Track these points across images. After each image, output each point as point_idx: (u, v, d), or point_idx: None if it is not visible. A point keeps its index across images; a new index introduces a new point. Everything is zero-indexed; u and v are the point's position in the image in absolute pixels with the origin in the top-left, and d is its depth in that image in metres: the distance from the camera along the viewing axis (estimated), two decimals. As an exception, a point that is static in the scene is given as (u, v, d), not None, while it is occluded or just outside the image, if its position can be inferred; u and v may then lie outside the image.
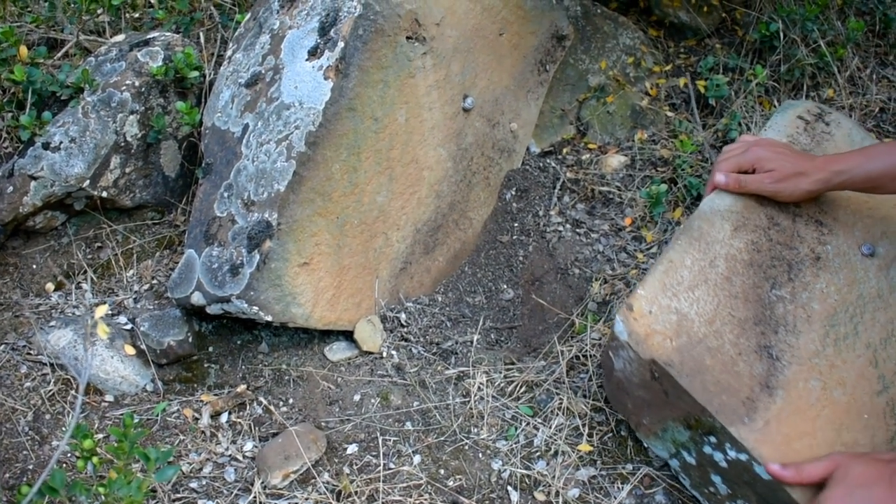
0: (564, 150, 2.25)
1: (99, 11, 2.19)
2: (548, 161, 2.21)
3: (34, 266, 1.91)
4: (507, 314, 1.95)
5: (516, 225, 2.09)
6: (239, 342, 1.82)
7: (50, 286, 1.89)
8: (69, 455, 1.60)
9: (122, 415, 1.69)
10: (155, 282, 1.90)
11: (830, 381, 1.44)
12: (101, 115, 1.82)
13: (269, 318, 1.66)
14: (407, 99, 1.77)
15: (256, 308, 1.64)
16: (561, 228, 2.07)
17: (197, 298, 1.67)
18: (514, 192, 2.12)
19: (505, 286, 2.00)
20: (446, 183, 1.95)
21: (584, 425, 1.68)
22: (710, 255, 1.52)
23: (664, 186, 2.02)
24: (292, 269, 1.67)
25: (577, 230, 2.07)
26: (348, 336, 1.84)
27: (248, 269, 1.62)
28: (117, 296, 1.87)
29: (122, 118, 1.84)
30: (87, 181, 1.81)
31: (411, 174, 1.85)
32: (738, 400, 1.38)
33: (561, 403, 1.72)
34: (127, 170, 1.88)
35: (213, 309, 1.67)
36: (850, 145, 1.74)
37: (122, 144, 1.86)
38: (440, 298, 1.97)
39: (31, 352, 1.77)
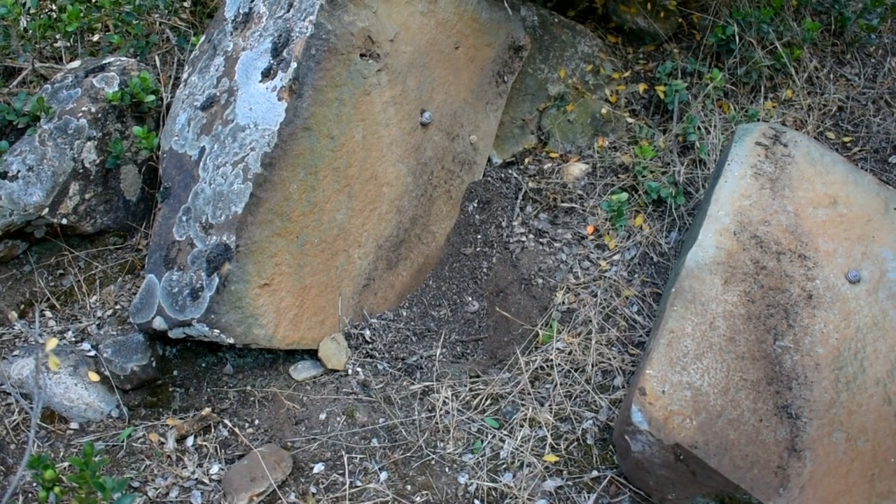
0: (526, 160, 2.26)
1: (56, 37, 2.19)
2: (510, 172, 2.22)
3: (-4, 295, 1.91)
4: (472, 327, 1.96)
5: (479, 237, 2.10)
6: (203, 365, 1.82)
7: (13, 315, 1.88)
8: (34, 485, 1.60)
9: (86, 442, 1.68)
10: (118, 307, 1.89)
11: (852, 430, 1.46)
12: (59, 142, 1.82)
13: (231, 341, 1.66)
14: (363, 116, 1.78)
15: (218, 331, 1.64)
16: (524, 239, 2.08)
17: (158, 323, 1.67)
18: (476, 204, 2.13)
19: (470, 298, 2.01)
20: (407, 198, 1.95)
21: (549, 435, 1.69)
22: (707, 316, 1.54)
23: (625, 195, 2.03)
24: (253, 291, 1.67)
25: (541, 240, 2.08)
26: (313, 354, 1.85)
27: (209, 293, 1.62)
28: (80, 322, 1.87)
29: (79, 145, 1.84)
30: (47, 209, 1.81)
31: (371, 191, 1.85)
32: (770, 471, 1.40)
33: (526, 415, 1.73)
34: (86, 196, 1.88)
35: (174, 333, 1.68)
36: (811, 164, 1.76)
37: (81, 171, 1.86)
38: (405, 313, 1.98)
39: (-5, 382, 1.77)
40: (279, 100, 1.66)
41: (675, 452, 1.45)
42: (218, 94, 1.78)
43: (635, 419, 1.46)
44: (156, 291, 1.69)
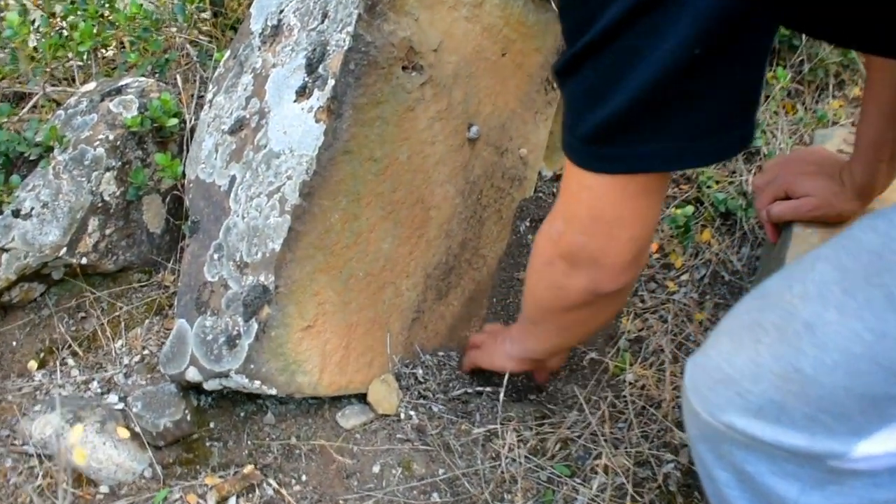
0: (578, 172, 2.09)
1: (69, 56, 2.03)
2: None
3: (14, 343, 1.75)
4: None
5: (534, 259, 1.93)
6: (242, 414, 1.66)
7: (33, 364, 1.73)
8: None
9: (118, 508, 1.53)
10: (146, 352, 1.73)
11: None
12: (75, 174, 1.66)
13: (274, 392, 1.50)
14: (408, 134, 1.61)
15: (259, 382, 1.48)
16: (582, 258, 1.91)
17: (192, 375, 1.51)
18: (528, 224, 1.96)
19: (526, 327, 1.84)
20: (456, 221, 1.79)
21: (628, 482, 1.52)
22: None
23: (690, 208, 1.86)
24: (295, 335, 1.51)
25: (601, 260, 1.90)
26: (361, 398, 1.68)
27: (247, 340, 1.46)
28: (106, 371, 1.71)
29: (97, 176, 1.68)
30: (65, 249, 1.65)
31: (417, 216, 1.68)
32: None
33: (600, 459, 1.56)
34: (107, 231, 1.72)
35: (210, 385, 1.52)
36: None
37: (100, 205, 1.70)
38: (458, 347, 1.81)
39: (16, 441, 1.61)
40: (316, 121, 1.50)
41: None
42: (247, 116, 1.61)
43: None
44: (188, 339, 1.52)
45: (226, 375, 1.48)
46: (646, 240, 1.12)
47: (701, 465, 1.15)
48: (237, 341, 1.47)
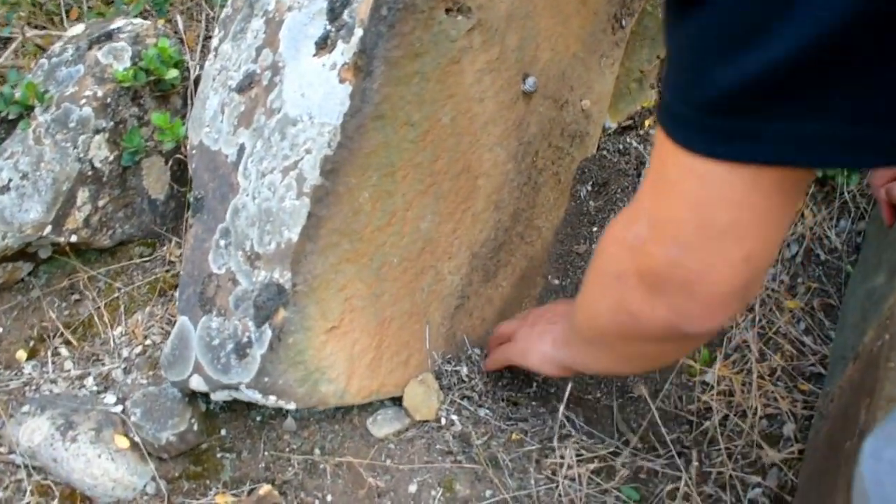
0: (647, 124, 1.80)
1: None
2: (627, 140, 1.76)
3: (0, 330, 1.53)
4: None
5: (596, 229, 1.66)
6: (258, 419, 1.43)
7: (21, 354, 1.51)
8: None
9: (116, 533, 1.32)
10: (148, 343, 1.50)
11: None
12: (58, 139, 1.40)
13: (293, 406, 1.27)
14: (452, 92, 1.33)
15: (274, 397, 1.25)
16: (652, 229, 1.64)
17: (197, 384, 1.28)
18: (590, 188, 1.68)
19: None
20: (507, 189, 1.51)
21: (709, 511, 1.29)
22: None
23: (783, 172, 1.56)
24: (317, 340, 1.27)
25: (674, 231, 1.63)
26: (396, 400, 1.45)
27: (259, 351, 1.22)
28: (103, 364, 1.49)
29: (85, 140, 1.42)
30: (49, 227, 1.41)
31: (462, 187, 1.42)
32: None
33: (678, 485, 1.32)
34: (100, 203, 1.47)
35: (218, 396, 1.29)
36: None
37: (90, 173, 1.44)
38: (507, 334, 1.57)
39: (2, 448, 1.41)
40: (341, 82, 1.22)
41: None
42: (258, 70, 1.34)
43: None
44: (191, 341, 1.29)
45: (235, 388, 1.25)
46: (765, 262, 0.79)
47: None
48: (248, 350, 1.23)
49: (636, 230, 0.84)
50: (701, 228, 0.75)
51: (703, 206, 0.74)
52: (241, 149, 1.32)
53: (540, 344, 1.31)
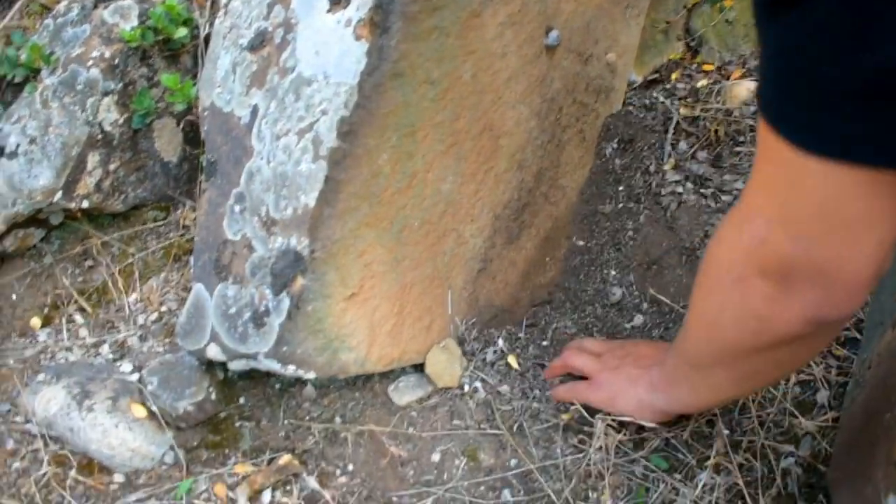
0: (673, 77, 1.73)
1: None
2: (654, 95, 1.69)
3: (13, 297, 1.50)
4: (621, 312, 1.50)
5: (622, 188, 1.60)
6: (277, 387, 1.40)
7: (35, 322, 1.48)
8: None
9: (136, 502, 1.30)
10: (164, 309, 1.47)
11: None
12: (66, 102, 1.36)
13: (312, 376, 1.24)
14: (472, 47, 1.27)
15: (293, 366, 1.21)
16: (680, 189, 1.58)
17: (214, 353, 1.25)
18: (615, 145, 1.62)
19: (613, 272, 1.54)
20: (530, 148, 1.46)
21: (739, 481, 1.25)
22: None
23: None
24: (337, 307, 1.23)
25: (703, 191, 1.57)
26: (418, 367, 1.41)
27: (277, 319, 1.19)
28: (118, 331, 1.45)
29: (93, 103, 1.38)
30: (60, 192, 1.38)
31: (485, 147, 1.37)
32: None
33: (708, 453, 1.28)
34: (111, 167, 1.43)
35: (235, 365, 1.26)
36: None
37: (100, 137, 1.40)
38: (529, 299, 1.52)
39: (18, 418, 1.39)
40: (357, 39, 1.17)
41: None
42: (270, 28, 1.29)
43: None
44: (207, 309, 1.25)
45: (253, 357, 1.21)
46: (893, 240, 0.77)
47: None
48: (265, 319, 1.19)
49: (753, 230, 0.80)
50: (828, 222, 0.74)
51: (828, 201, 0.72)
52: (255, 110, 1.27)
53: (633, 389, 1.22)
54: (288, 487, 1.30)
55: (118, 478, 1.33)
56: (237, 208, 1.25)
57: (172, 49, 1.46)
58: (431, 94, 1.24)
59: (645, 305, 1.50)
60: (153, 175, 1.51)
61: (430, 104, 1.24)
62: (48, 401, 1.34)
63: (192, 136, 1.54)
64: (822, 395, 1.34)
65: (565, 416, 1.33)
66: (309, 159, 1.19)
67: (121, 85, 1.41)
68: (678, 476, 1.27)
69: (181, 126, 1.52)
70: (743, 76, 1.69)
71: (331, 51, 1.19)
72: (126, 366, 1.40)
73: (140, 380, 1.37)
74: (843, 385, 1.34)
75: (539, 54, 1.41)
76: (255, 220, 1.23)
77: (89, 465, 1.34)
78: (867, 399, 1.21)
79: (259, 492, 1.29)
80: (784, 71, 0.68)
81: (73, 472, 1.33)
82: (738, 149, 1.61)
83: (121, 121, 1.42)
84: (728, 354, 0.97)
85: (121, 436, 1.31)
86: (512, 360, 1.42)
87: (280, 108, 1.23)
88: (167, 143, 1.51)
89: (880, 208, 0.71)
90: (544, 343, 1.45)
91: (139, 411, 1.34)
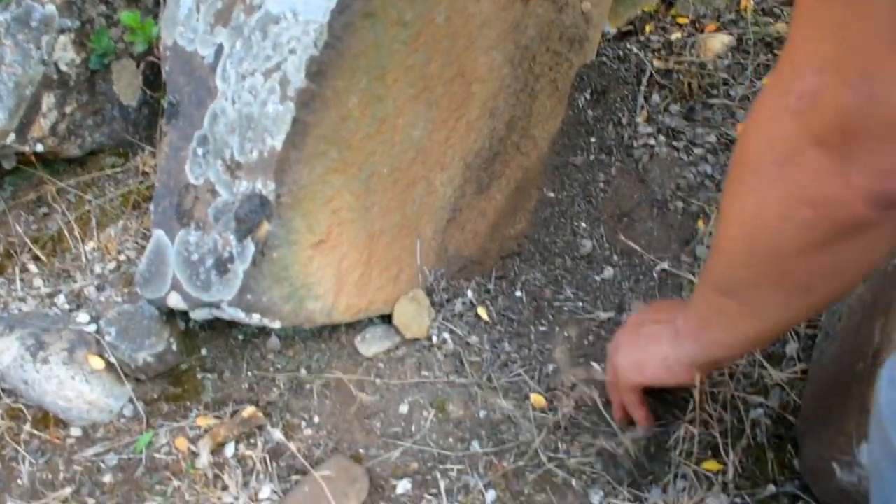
0: (647, 29, 1.71)
1: None
2: (628, 47, 1.67)
3: (-36, 244, 1.44)
4: (591, 265, 1.48)
5: (594, 140, 1.58)
6: (241, 337, 1.37)
7: (-13, 270, 1.43)
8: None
9: (94, 456, 1.26)
10: (122, 258, 1.42)
11: None
12: (20, 39, 1.29)
13: (278, 325, 1.20)
14: (446, -12, 1.23)
15: (258, 315, 1.18)
16: (652, 141, 1.56)
17: (175, 301, 1.21)
18: (588, 96, 1.60)
19: (583, 224, 1.52)
20: (503, 96, 1.43)
21: (710, 433, 1.24)
22: None
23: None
24: (304, 254, 1.19)
25: (675, 143, 1.55)
26: (385, 318, 1.38)
27: (242, 266, 1.15)
28: (75, 281, 1.40)
29: (49, 41, 1.31)
30: (13, 134, 1.32)
31: (457, 93, 1.33)
32: None
33: (683, 405, 1.27)
34: (67, 109, 1.37)
35: (198, 314, 1.22)
36: None
37: (55, 77, 1.34)
38: (498, 248, 1.50)
39: (-30, 370, 1.34)
40: (328, -26, 1.12)
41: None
42: (236, -37, 1.23)
43: (866, 460, 0.99)
44: (168, 256, 1.21)
45: (216, 306, 1.18)
46: None
47: (878, 480, 0.83)
48: (229, 266, 1.15)
49: (802, 87, 0.65)
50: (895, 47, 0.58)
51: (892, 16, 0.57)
52: (219, 49, 1.22)
53: (656, 349, 1.04)
54: (252, 440, 1.27)
55: (75, 431, 1.29)
56: (200, 151, 1.21)
57: (132, -14, 1.41)
58: (403, 35, 1.19)
59: (616, 258, 1.48)
60: (111, 119, 1.45)
61: (402, 46, 1.20)
62: (1, 353, 1.29)
63: (153, 80, 1.48)
64: (792, 348, 1.34)
65: (532, 370, 1.32)
66: (276, 100, 1.14)
67: (78, 23, 1.35)
68: (654, 427, 1.26)
69: (141, 68, 1.46)
70: (717, 29, 1.67)
71: (300, -13, 1.14)
72: (83, 316, 1.35)
73: (97, 330, 1.32)
74: (811, 338, 1.34)
75: (514, 0, 1.38)
76: (219, 163, 1.19)
77: (45, 418, 1.29)
78: (839, 350, 1.21)
79: (222, 445, 1.26)
80: None
81: (27, 426, 1.29)
82: (711, 101, 1.59)
83: (77, 61, 1.36)
84: (775, 263, 0.78)
85: (77, 388, 1.27)
86: (482, 311, 1.40)
87: (246, 47, 1.18)
88: (126, 85, 1.45)
89: None
90: (516, 294, 1.43)
91: (97, 363, 1.29)
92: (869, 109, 0.60)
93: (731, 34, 1.65)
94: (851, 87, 0.60)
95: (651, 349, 1.04)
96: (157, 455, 1.26)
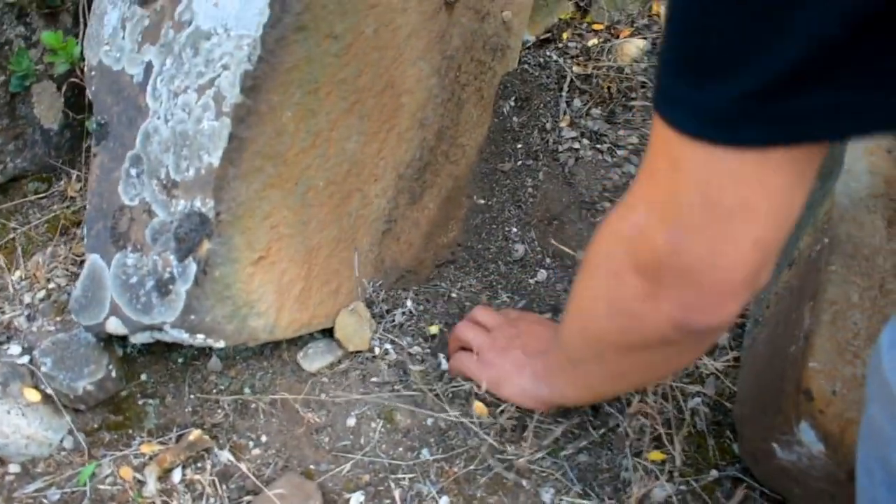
0: (565, 36, 1.75)
1: None
2: (548, 54, 1.70)
3: None
4: (524, 269, 1.51)
5: (520, 146, 1.61)
6: (180, 360, 1.34)
7: None
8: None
9: (35, 492, 1.22)
10: (52, 286, 1.38)
11: None
12: (-67, 63, 1.25)
13: (222, 344, 1.19)
14: (374, 1, 1.24)
15: (202, 335, 1.16)
16: (577, 145, 1.60)
17: (114, 326, 1.18)
18: (512, 103, 1.63)
19: (514, 229, 1.54)
20: (431, 106, 1.44)
21: (655, 424, 1.28)
22: (875, 276, 1.07)
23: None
24: (245, 271, 1.18)
25: (598, 146, 1.60)
26: (326, 332, 1.38)
27: (184, 286, 1.13)
28: (3, 312, 1.36)
29: (-36, 64, 1.27)
30: (-72, 163, 1.27)
31: (387, 105, 1.34)
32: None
33: (628, 398, 1.30)
34: (-14, 135, 1.33)
35: (138, 338, 1.19)
36: None
37: (-28, 102, 1.30)
38: (433, 258, 1.51)
39: None
40: (258, -10, 1.12)
41: (851, 473, 1.03)
42: (162, -19, 1.22)
43: (805, 438, 1.04)
44: (105, 280, 1.18)
45: (159, 328, 1.16)
46: (775, 247, 0.72)
47: (868, 423, 0.87)
48: (170, 287, 1.14)
49: (633, 219, 0.76)
50: (706, 208, 0.68)
51: (709, 184, 0.67)
52: (149, 67, 1.20)
53: (518, 378, 1.22)
54: (199, 464, 1.25)
55: (13, 468, 1.24)
56: (133, 171, 1.19)
57: (52, 6, 1.37)
58: (335, 48, 1.20)
59: (548, 260, 1.51)
60: (33, 143, 1.41)
61: (334, 59, 1.21)
62: (-73, 389, 1.24)
63: (74, 101, 1.45)
64: (723, 337, 1.39)
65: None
66: (211, 116, 1.13)
67: (-6, 45, 1.31)
68: (598, 421, 1.29)
69: (62, 90, 1.42)
70: (632, 34, 1.72)
71: (231, 2, 1.14)
72: (14, 348, 1.31)
73: (31, 361, 1.28)
74: (741, 326, 1.39)
75: (438, 10, 1.39)
76: (154, 182, 1.17)
77: (-20, 454, 1.25)
78: (770, 336, 1.26)
79: (169, 471, 1.24)
80: (669, 45, 0.66)
81: (-41, 465, 1.24)
82: (630, 103, 1.64)
83: (-5, 84, 1.32)
84: (599, 349, 0.95)
85: (13, 423, 1.23)
86: (421, 321, 1.41)
87: (177, 65, 1.17)
88: (47, 108, 1.41)
89: (764, 200, 0.67)
90: (453, 299, 1.45)
91: (32, 395, 1.25)
92: (674, 256, 0.72)
93: (645, 38, 1.71)
94: (667, 235, 0.72)
95: (513, 377, 1.23)
96: (101, 486, 1.22)
